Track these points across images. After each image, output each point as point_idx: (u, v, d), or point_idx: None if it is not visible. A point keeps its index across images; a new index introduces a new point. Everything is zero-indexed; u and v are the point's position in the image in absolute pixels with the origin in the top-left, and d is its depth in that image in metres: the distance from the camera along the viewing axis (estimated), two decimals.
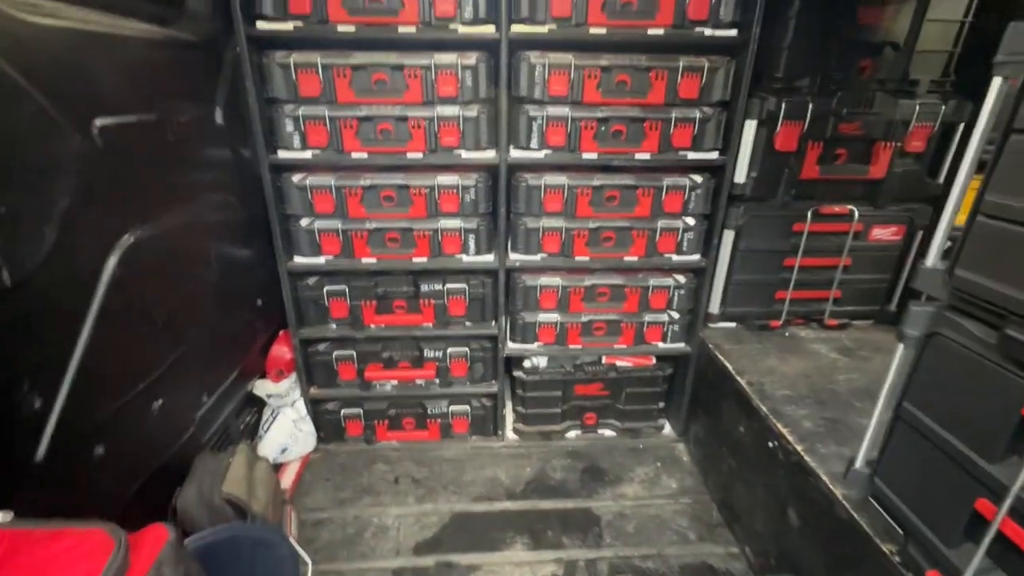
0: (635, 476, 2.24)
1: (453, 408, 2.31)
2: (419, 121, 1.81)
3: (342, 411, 2.30)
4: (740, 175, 1.98)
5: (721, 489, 2.05)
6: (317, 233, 1.95)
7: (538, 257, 2.06)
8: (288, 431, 2.23)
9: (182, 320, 1.46)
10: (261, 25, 1.67)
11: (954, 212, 1.11)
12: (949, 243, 1.13)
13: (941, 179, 2.06)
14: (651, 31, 1.75)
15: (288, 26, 1.68)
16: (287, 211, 1.92)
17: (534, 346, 2.22)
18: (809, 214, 2.05)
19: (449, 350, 2.21)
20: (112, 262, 1.13)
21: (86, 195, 1.04)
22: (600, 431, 2.47)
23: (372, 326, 2.14)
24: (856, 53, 1.88)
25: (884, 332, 2.27)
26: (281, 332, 2.26)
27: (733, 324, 2.29)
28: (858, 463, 1.34)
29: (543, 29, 1.73)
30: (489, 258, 2.06)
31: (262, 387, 2.20)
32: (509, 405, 2.50)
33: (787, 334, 2.25)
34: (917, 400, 1.17)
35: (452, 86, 1.77)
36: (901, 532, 1.21)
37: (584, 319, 2.17)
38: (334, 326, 2.16)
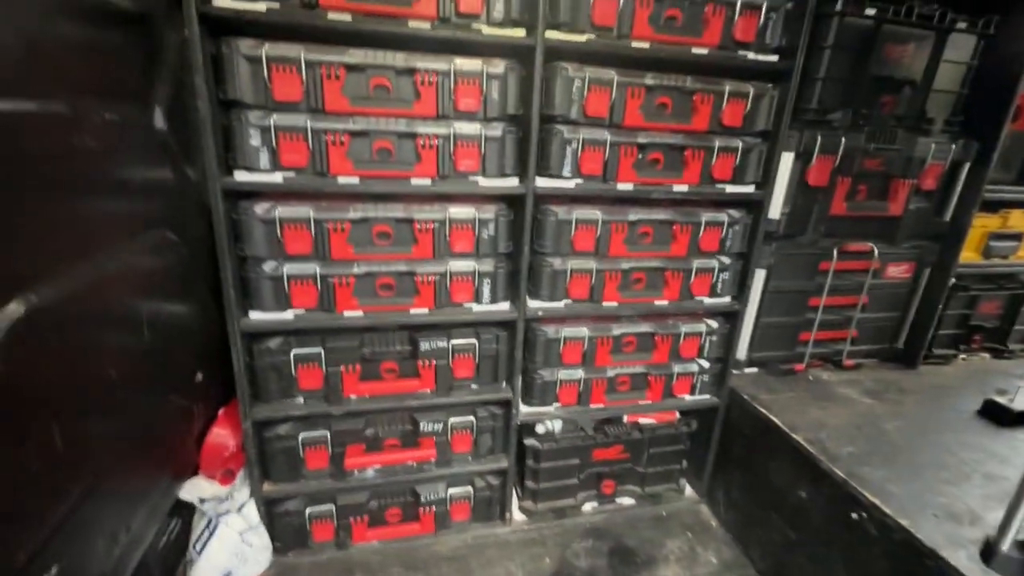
0: (668, 553, 1.93)
1: (453, 491, 1.86)
2: (430, 140, 1.43)
3: (307, 510, 1.75)
4: (775, 211, 1.83)
5: (772, 562, 1.80)
6: (286, 280, 1.47)
7: (562, 304, 1.74)
8: (233, 548, 1.64)
9: (94, 429, 0.93)
10: (220, 2, 1.22)
11: None
12: None
13: (948, 217, 2.07)
14: (695, 50, 1.56)
15: (260, 7, 1.25)
16: (245, 252, 1.43)
17: (551, 408, 1.86)
18: (835, 252, 1.96)
19: (451, 421, 1.78)
20: None
21: None
22: (619, 500, 2.14)
23: (353, 397, 1.66)
24: (880, 89, 1.83)
25: (895, 371, 2.22)
26: (220, 412, 1.70)
27: (756, 370, 2.12)
28: (1006, 546, 1.14)
29: (582, 38, 1.47)
30: (505, 307, 1.70)
31: (193, 489, 1.60)
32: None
33: (811, 378, 2.11)
34: None
35: (475, 98, 1.43)
36: None
37: (610, 374, 1.87)
38: (301, 400, 1.64)
